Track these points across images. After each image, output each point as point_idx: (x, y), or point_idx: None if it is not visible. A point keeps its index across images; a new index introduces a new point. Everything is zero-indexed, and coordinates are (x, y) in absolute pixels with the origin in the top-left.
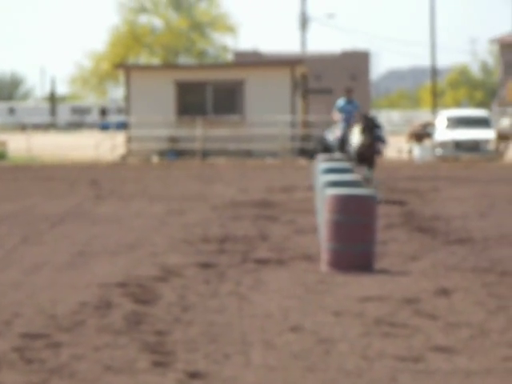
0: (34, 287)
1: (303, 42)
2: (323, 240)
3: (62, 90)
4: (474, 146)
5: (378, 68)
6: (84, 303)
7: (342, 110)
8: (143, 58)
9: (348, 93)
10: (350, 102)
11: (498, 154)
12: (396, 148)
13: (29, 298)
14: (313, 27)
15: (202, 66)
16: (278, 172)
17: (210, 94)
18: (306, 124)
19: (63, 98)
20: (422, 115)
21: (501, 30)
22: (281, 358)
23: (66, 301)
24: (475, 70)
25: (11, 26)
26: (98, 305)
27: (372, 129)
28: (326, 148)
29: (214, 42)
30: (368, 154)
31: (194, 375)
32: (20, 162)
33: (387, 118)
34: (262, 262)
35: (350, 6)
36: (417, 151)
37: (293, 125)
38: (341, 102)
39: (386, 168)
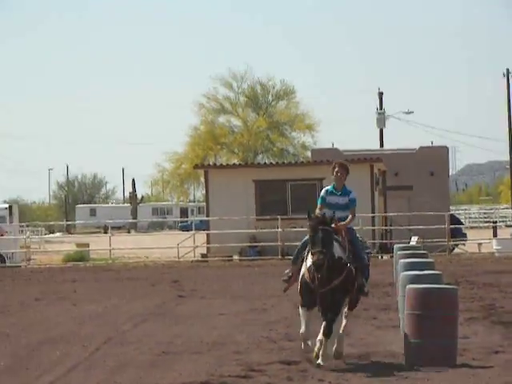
0: None
1: (381, 139)
2: (405, 335)
3: (142, 191)
4: None
5: (457, 163)
6: None
7: (325, 204)
8: (223, 158)
9: (338, 173)
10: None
11: None
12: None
13: None
14: (390, 124)
15: (280, 165)
16: None
17: (289, 192)
18: (386, 220)
19: (144, 199)
20: (502, 210)
21: None
22: None
23: None
24: None
25: (92, 127)
26: None
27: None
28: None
29: (293, 141)
30: (320, 290)
31: None
32: (102, 263)
33: (467, 213)
34: (345, 358)
35: (426, 102)
36: (496, 245)
37: (373, 222)
38: (326, 190)
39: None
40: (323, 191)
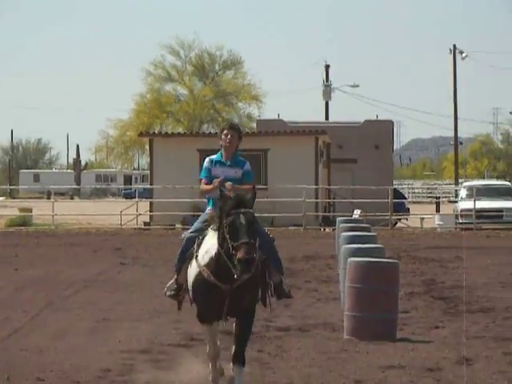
0: (57, 353)
1: (327, 112)
2: (345, 308)
3: (86, 157)
4: (496, 216)
5: (401, 138)
6: (107, 370)
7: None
8: (168, 127)
9: (228, 137)
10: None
11: None
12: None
13: (52, 364)
14: (336, 97)
15: None
16: (301, 241)
17: None
18: (329, 193)
19: (88, 166)
20: (444, 186)
21: None
22: None
23: (90, 367)
24: (497, 141)
25: (37, 93)
26: (121, 372)
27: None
28: None
29: (239, 111)
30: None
31: None
32: (44, 228)
33: (410, 188)
34: (284, 329)
35: (373, 76)
36: (438, 220)
37: (316, 194)
38: (211, 160)
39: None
40: (207, 161)
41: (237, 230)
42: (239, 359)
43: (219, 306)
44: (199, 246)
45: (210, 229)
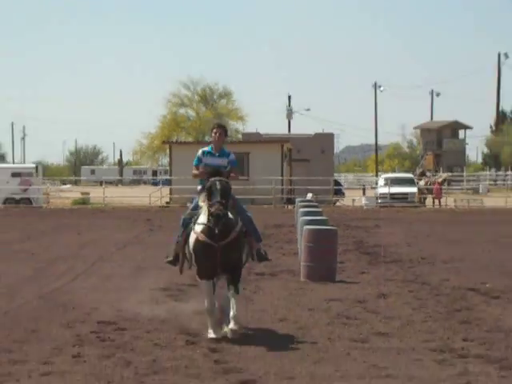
0: (106, 290)
1: (289, 127)
2: (301, 259)
3: (127, 158)
4: (403, 197)
5: (339, 145)
6: (141, 301)
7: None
8: (182, 138)
9: (217, 134)
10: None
11: (420, 202)
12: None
13: (103, 298)
14: (295, 117)
15: None
16: (272, 214)
17: None
18: (291, 182)
19: (128, 163)
20: (368, 178)
21: (421, 119)
22: (272, 339)
23: (129, 299)
24: (404, 147)
25: (94, 111)
26: (150, 302)
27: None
28: None
29: (230, 127)
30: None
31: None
32: (98, 206)
33: (345, 179)
34: (259, 274)
35: (321, 101)
36: (364, 201)
37: (282, 183)
38: (203, 151)
39: (344, 212)
40: (199, 152)
41: (212, 192)
42: (236, 290)
43: (213, 263)
44: (194, 223)
45: (200, 210)
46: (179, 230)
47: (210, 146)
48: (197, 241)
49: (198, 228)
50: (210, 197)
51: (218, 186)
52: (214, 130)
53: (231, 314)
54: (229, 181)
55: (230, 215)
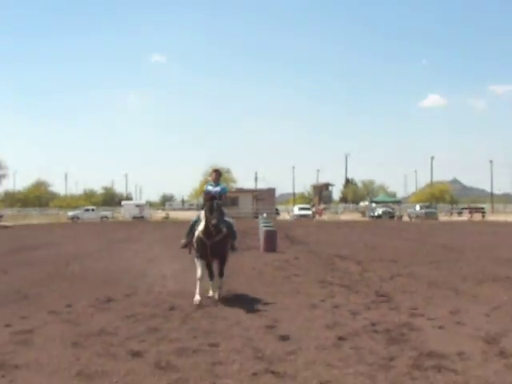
0: (133, 272)
1: (256, 184)
2: (261, 243)
3: (184, 197)
4: (306, 215)
5: (277, 193)
6: (160, 275)
7: (207, 191)
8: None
9: (214, 174)
10: (215, 184)
11: (312, 218)
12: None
13: (133, 276)
14: (260, 180)
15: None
16: (248, 223)
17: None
18: (256, 209)
19: (187, 201)
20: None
21: (312, 181)
22: (246, 276)
23: (148, 275)
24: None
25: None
26: (162, 280)
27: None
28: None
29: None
30: (212, 240)
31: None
32: (168, 220)
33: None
34: (243, 249)
35: (269, 165)
36: (289, 216)
37: (252, 209)
38: (207, 184)
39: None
40: (206, 185)
41: (211, 209)
42: (220, 273)
43: (206, 252)
44: (198, 225)
45: (200, 218)
46: (188, 228)
47: (210, 182)
48: (198, 237)
49: (199, 229)
50: (210, 212)
51: (215, 206)
52: (213, 175)
53: (217, 290)
54: (221, 202)
55: (221, 225)
